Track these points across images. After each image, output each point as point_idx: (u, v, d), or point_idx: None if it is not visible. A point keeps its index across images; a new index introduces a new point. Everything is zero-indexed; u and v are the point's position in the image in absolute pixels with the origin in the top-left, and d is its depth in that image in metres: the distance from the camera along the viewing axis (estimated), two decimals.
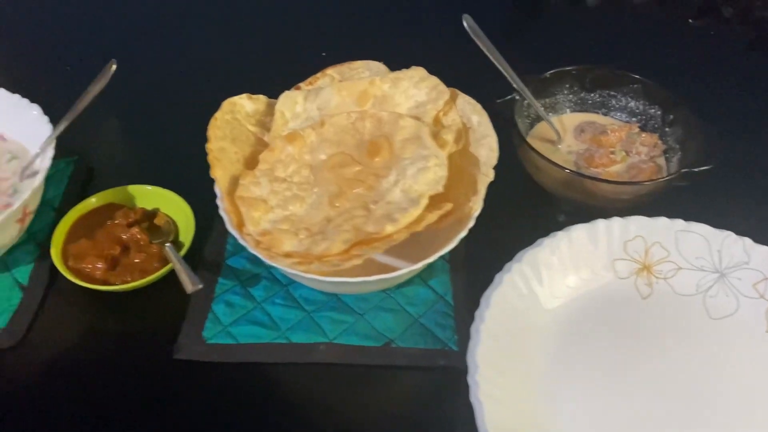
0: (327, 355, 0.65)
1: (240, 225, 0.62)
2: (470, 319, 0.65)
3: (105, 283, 0.68)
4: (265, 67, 1.01)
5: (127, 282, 0.68)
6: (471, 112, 0.68)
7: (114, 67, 0.67)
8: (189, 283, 0.64)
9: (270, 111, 0.72)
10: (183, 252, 0.70)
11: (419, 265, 0.60)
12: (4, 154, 0.75)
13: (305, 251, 0.59)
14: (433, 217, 0.58)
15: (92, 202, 0.74)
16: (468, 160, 0.66)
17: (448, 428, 0.61)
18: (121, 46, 1.04)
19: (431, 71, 0.70)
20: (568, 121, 0.85)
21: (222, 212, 0.64)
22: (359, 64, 0.74)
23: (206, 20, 1.12)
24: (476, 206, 0.63)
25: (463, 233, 0.62)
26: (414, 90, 0.69)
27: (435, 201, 0.61)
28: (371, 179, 0.64)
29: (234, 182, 0.65)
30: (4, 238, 0.67)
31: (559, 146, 0.81)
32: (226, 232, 0.73)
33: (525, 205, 0.81)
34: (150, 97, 0.87)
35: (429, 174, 0.60)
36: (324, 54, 1.03)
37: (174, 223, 0.75)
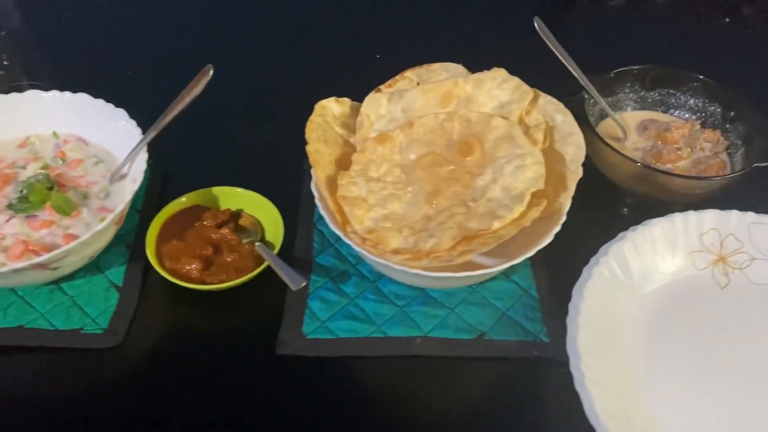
0: (424, 348, 0.67)
1: (344, 224, 0.64)
2: (558, 311, 0.68)
3: (202, 282, 0.70)
4: (321, 71, 1.03)
5: (225, 281, 0.69)
6: (554, 111, 0.70)
7: (211, 72, 0.69)
8: (293, 281, 0.66)
9: (354, 114, 0.74)
10: (276, 251, 0.71)
11: (520, 259, 0.62)
12: (90, 158, 0.77)
13: (413, 248, 0.61)
14: (535, 213, 0.61)
15: (182, 201, 0.76)
16: (554, 158, 0.68)
17: (546, 415, 0.64)
18: (195, 49, 1.06)
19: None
20: (630, 118, 0.87)
21: (322, 211, 0.66)
22: (437, 66, 0.76)
23: (260, 25, 1.14)
24: (567, 202, 0.66)
25: (557, 228, 0.65)
26: (497, 90, 0.71)
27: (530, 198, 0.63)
28: (466, 178, 0.66)
29: (330, 182, 0.67)
30: (102, 240, 0.69)
31: (625, 143, 0.84)
32: (311, 230, 0.76)
33: (588, 200, 0.84)
34: (221, 100, 0.88)
35: (528, 172, 0.63)
36: (378, 56, 1.06)
37: (259, 223, 0.77)
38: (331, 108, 0.73)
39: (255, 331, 0.69)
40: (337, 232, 0.64)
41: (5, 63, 0.86)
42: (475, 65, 0.75)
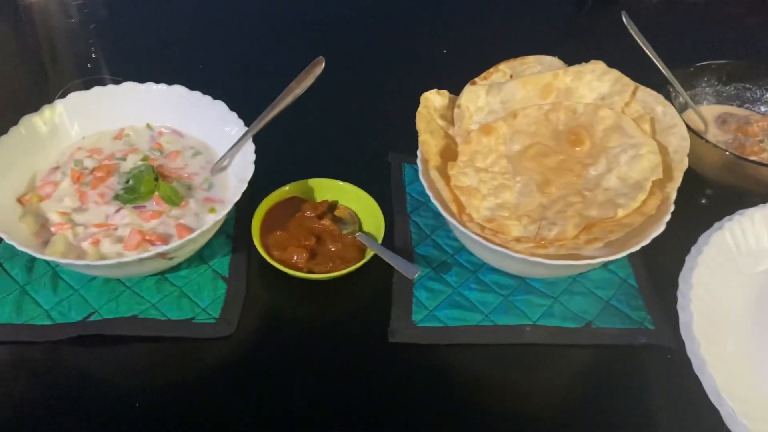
0: (533, 336, 0.68)
1: (460, 213, 0.65)
2: (659, 299, 0.69)
3: (309, 272, 0.70)
4: (389, 66, 1.04)
5: (332, 270, 0.70)
6: (654, 103, 0.71)
7: (323, 64, 0.70)
8: (407, 270, 0.67)
9: (451, 105, 0.75)
10: (380, 241, 0.72)
11: (638, 247, 0.63)
12: (186, 149, 0.77)
13: (536, 236, 0.62)
14: (655, 201, 0.62)
15: (285, 191, 0.76)
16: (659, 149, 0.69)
17: (656, 400, 0.65)
18: (288, 41, 1.07)
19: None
20: (707, 112, 0.89)
21: (435, 201, 0.67)
22: (532, 59, 0.77)
23: (335, 20, 1.14)
24: (673, 192, 0.67)
25: (667, 217, 0.66)
26: (597, 82, 0.72)
27: None
28: (577, 168, 0.67)
29: (439, 173, 0.68)
30: (211, 231, 0.69)
31: (706, 136, 0.85)
32: (407, 221, 0.77)
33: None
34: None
35: (644, 161, 0.64)
36: (444, 51, 1.07)
37: (355, 214, 0.77)
38: (433, 99, 0.74)
39: (364, 320, 0.70)
40: (452, 221, 0.65)
41: (93, 56, 0.86)
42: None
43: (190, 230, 0.68)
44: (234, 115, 0.75)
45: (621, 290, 0.72)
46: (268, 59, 1.04)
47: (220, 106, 0.76)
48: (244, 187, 0.67)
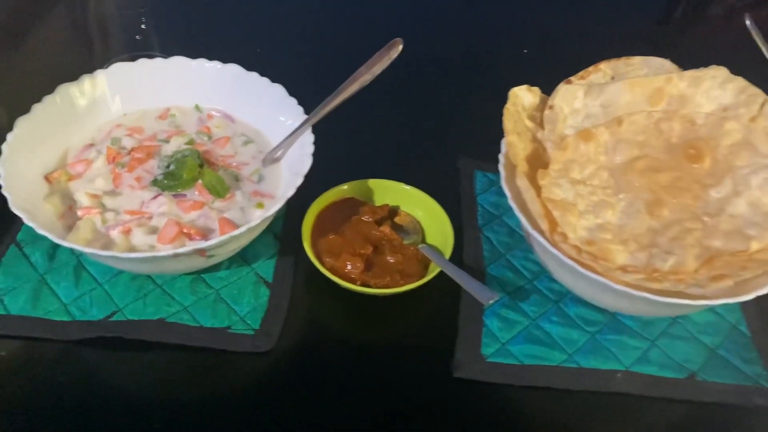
0: (625, 385, 0.57)
1: (552, 230, 0.55)
2: None
3: (364, 284, 0.61)
4: (470, 63, 0.94)
5: (390, 285, 0.60)
6: None
7: (400, 47, 0.60)
8: (482, 294, 0.57)
9: (541, 106, 0.65)
10: (448, 256, 0.62)
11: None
12: (237, 136, 0.69)
13: (646, 266, 0.51)
14: None
15: (344, 189, 0.67)
16: None
17: None
18: (351, 22, 0.99)
19: None
20: None
21: (519, 214, 0.57)
22: (637, 60, 0.66)
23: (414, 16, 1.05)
24: None
25: None
26: (718, 91, 0.61)
27: None
28: (695, 188, 0.56)
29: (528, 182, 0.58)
30: (258, 229, 0.60)
31: None
32: (479, 236, 0.67)
33: None
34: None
35: None
36: (525, 51, 0.97)
37: (418, 222, 0.68)
38: (522, 97, 0.63)
39: (423, 347, 0.60)
40: (539, 239, 0.54)
41: (143, 26, 0.78)
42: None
43: (234, 226, 0.59)
44: (293, 101, 0.66)
45: (730, 338, 0.61)
46: (333, 41, 0.95)
47: (278, 90, 0.67)
48: (299, 181, 0.58)
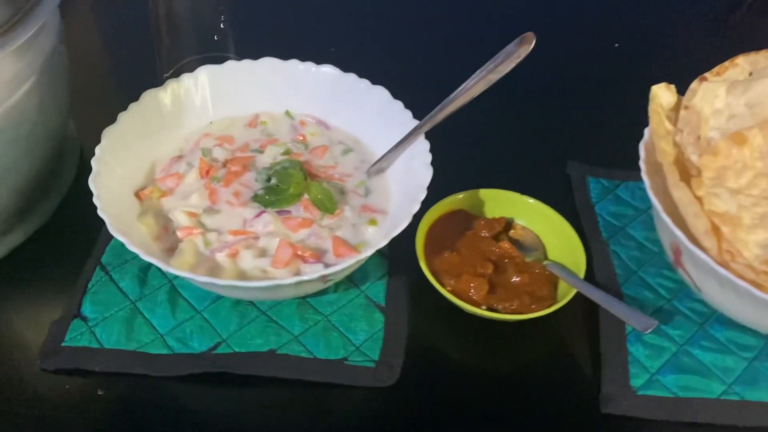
0: None
1: (719, 250, 0.48)
2: None
3: (490, 309, 0.55)
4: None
5: (520, 309, 0.54)
6: None
7: (533, 42, 0.54)
8: (638, 320, 0.51)
9: (677, 106, 0.58)
10: (582, 275, 0.56)
11: None
12: (335, 144, 0.62)
13: None
14: None
15: (458, 199, 0.61)
16: None
17: None
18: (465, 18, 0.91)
19: None
20: None
21: (673, 228, 0.50)
22: None
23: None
24: None
25: None
26: None
27: None
28: None
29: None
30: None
31: None
32: (606, 251, 0.61)
33: None
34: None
35: None
36: (617, 45, 0.90)
37: (537, 236, 0.61)
38: (661, 96, 0.57)
39: (561, 377, 0.54)
40: (702, 257, 0.48)
41: (222, 26, 0.72)
42: None
43: (348, 245, 0.53)
44: (398, 104, 0.60)
45: None
46: (441, 38, 0.88)
47: (381, 93, 0.61)
48: (421, 195, 0.52)
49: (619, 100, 0.75)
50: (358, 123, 0.63)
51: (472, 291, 0.55)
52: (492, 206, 0.63)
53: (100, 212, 0.49)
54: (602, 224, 0.64)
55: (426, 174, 0.54)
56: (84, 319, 0.54)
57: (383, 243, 0.49)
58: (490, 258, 0.58)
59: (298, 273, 0.51)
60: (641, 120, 0.56)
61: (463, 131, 0.71)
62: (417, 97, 0.60)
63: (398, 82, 0.62)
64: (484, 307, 0.55)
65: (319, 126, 0.64)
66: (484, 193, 0.63)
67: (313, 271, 0.50)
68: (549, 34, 0.92)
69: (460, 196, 0.61)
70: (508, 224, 0.62)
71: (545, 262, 0.58)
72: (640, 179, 0.54)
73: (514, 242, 0.60)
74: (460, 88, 0.55)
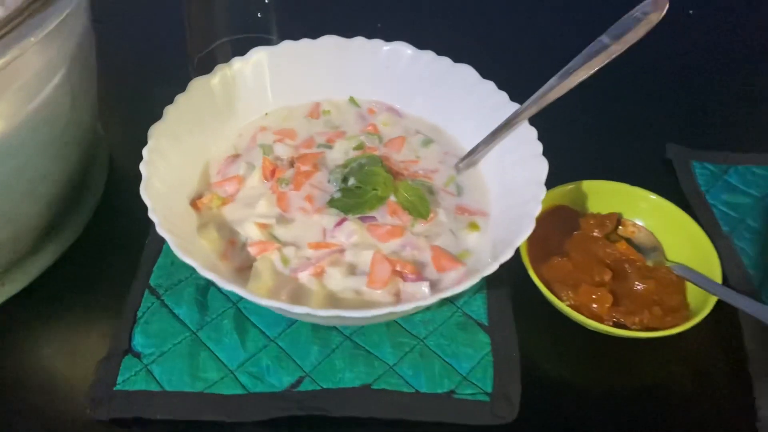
0: None
1: None
2: None
3: (616, 323, 0.47)
4: None
5: (654, 324, 0.46)
6: None
7: (665, 9, 0.45)
8: None
9: None
10: (719, 278, 0.48)
11: None
12: (412, 135, 0.54)
13: None
14: None
15: (568, 190, 0.52)
16: None
17: None
18: None
19: None
20: None
21: None
22: None
23: None
24: None
25: None
26: None
27: None
28: None
29: None
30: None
31: None
32: (733, 247, 0.53)
33: None
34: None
35: None
36: (690, 12, 0.81)
37: (651, 234, 0.53)
38: None
39: (705, 398, 0.46)
40: None
41: (266, 1, 0.63)
42: None
43: (449, 256, 0.45)
44: (489, 85, 0.51)
45: None
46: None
47: (466, 72, 0.52)
48: (540, 193, 0.44)
49: (721, 75, 0.67)
50: (437, 108, 0.54)
51: (594, 305, 0.46)
52: (596, 200, 0.54)
53: (159, 230, 0.40)
54: (719, 216, 0.56)
55: (540, 167, 0.45)
56: (137, 355, 0.45)
57: (508, 254, 0.40)
58: (606, 262, 0.50)
59: (397, 293, 0.42)
60: (747, 95, 0.48)
61: (546, 115, 0.62)
62: (500, 76, 0.51)
63: (474, 59, 0.53)
64: (609, 322, 0.46)
65: (390, 114, 0.55)
66: (588, 186, 0.54)
67: (416, 292, 0.42)
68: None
69: (563, 189, 0.52)
70: (617, 219, 0.54)
71: (669, 264, 0.50)
72: (751, 162, 0.46)
73: (628, 242, 0.52)
74: (574, 63, 0.47)
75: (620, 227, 0.54)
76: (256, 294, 0.38)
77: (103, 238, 0.53)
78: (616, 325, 0.46)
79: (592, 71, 0.46)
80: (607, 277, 0.48)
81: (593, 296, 0.47)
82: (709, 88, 0.68)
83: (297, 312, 0.37)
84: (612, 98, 0.67)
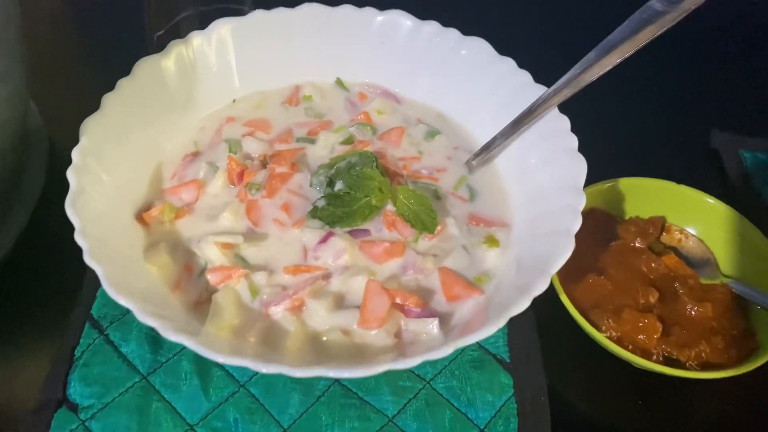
0: None
1: None
2: None
3: (666, 358, 0.38)
4: None
5: (714, 358, 0.37)
6: None
7: None
8: None
9: None
10: None
11: None
12: (412, 125, 0.44)
13: None
14: None
15: (594, 192, 0.43)
16: None
17: None
18: None
19: None
20: None
21: None
22: None
23: None
24: None
25: None
26: None
27: None
28: None
29: None
30: None
31: None
32: None
33: None
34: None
35: None
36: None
37: (702, 242, 0.44)
38: None
39: None
40: None
41: None
42: None
43: (463, 281, 0.35)
44: (508, 63, 0.42)
45: None
46: None
47: (478, 46, 0.43)
48: (580, 200, 0.34)
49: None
50: (443, 93, 0.45)
51: (641, 335, 0.37)
52: (635, 201, 0.46)
53: (87, 259, 0.30)
54: None
55: (576, 166, 0.36)
56: (73, 407, 0.36)
57: (541, 285, 0.31)
58: (650, 278, 0.41)
59: (398, 334, 0.33)
60: None
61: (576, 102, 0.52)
62: (521, 52, 0.42)
63: (488, 31, 0.43)
64: (658, 357, 0.37)
65: (385, 99, 0.46)
66: (626, 184, 0.45)
67: (422, 331, 0.32)
68: None
69: (597, 188, 0.43)
70: (661, 227, 0.44)
71: (727, 281, 0.41)
72: None
73: (675, 252, 0.43)
74: (616, 35, 0.37)
75: (663, 234, 0.44)
76: (210, 347, 0.29)
77: (36, 255, 0.44)
78: (668, 360, 0.38)
79: (640, 46, 0.36)
80: (653, 298, 0.40)
81: (639, 324, 0.38)
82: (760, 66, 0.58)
83: (266, 371, 0.27)
84: (647, 78, 0.57)
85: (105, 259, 0.31)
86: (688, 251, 0.44)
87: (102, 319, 0.39)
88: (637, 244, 0.42)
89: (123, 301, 0.29)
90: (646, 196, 0.45)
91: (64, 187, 0.34)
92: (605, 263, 0.41)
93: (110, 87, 0.39)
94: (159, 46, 0.53)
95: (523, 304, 0.30)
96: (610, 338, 0.38)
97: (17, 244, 0.43)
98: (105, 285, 0.30)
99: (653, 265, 0.41)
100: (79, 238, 0.31)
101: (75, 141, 0.36)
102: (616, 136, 0.52)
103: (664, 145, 0.53)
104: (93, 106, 0.38)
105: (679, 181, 0.44)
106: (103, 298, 0.39)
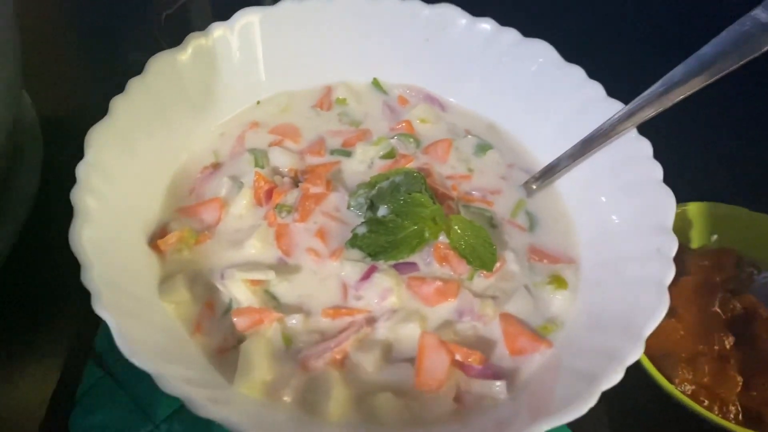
0: None
1: None
2: None
3: (746, 414, 0.33)
4: None
5: None
6: None
7: None
8: None
9: None
10: None
11: None
12: (461, 138, 0.39)
13: None
14: None
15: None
16: None
17: None
18: None
19: None
20: None
21: None
22: None
23: None
24: None
25: None
26: None
27: None
28: None
29: None
30: None
31: None
32: None
33: None
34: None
35: None
36: None
37: None
38: None
39: None
40: None
41: None
42: None
43: (529, 331, 0.30)
44: (576, 71, 0.36)
45: None
46: None
47: (541, 50, 0.37)
48: (671, 245, 0.30)
49: None
50: (496, 100, 0.39)
51: (719, 388, 0.33)
52: (704, 231, 0.40)
53: (97, 308, 0.25)
54: None
55: (664, 201, 0.31)
56: None
57: (635, 352, 0.26)
58: (725, 319, 0.36)
59: (458, 398, 0.28)
60: None
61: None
62: (591, 59, 0.36)
63: (552, 34, 0.38)
64: (737, 416, 0.33)
65: (428, 105, 0.40)
66: (694, 210, 0.40)
67: (486, 394, 0.28)
68: None
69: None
70: (736, 260, 0.40)
71: None
72: None
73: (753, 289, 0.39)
74: (712, 48, 0.32)
75: (737, 266, 0.40)
76: (238, 420, 0.24)
77: (32, 269, 0.38)
78: (749, 420, 0.33)
79: (739, 64, 0.31)
80: (729, 344, 0.35)
81: (717, 377, 0.33)
82: None
83: None
84: (722, 103, 0.52)
85: (116, 306, 0.26)
86: (762, 287, 0.39)
87: (104, 356, 0.34)
88: (710, 281, 0.37)
89: (141, 363, 0.24)
90: (715, 223, 0.40)
91: (62, 189, 0.29)
92: (675, 302, 0.37)
93: (110, 80, 0.33)
94: (167, 30, 0.47)
95: (615, 376, 0.25)
96: (683, 392, 0.33)
97: (9, 257, 0.38)
98: (119, 341, 0.25)
99: (728, 305, 0.37)
100: (87, 281, 0.26)
101: (72, 141, 0.31)
102: (685, 153, 0.47)
103: (734, 165, 0.47)
104: (92, 103, 0.32)
105: (753, 209, 0.40)
106: (105, 336, 0.34)
